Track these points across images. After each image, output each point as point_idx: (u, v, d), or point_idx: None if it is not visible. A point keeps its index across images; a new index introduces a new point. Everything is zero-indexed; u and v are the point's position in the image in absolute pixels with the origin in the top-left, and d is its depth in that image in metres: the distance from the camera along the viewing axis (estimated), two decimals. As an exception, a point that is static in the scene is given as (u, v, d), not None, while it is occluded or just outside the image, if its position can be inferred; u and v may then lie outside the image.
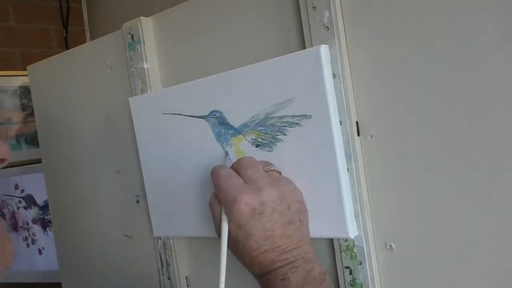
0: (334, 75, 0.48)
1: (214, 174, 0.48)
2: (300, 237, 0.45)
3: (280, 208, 0.45)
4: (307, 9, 0.49)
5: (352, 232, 0.48)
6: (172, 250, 0.65)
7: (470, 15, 0.42)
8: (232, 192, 0.45)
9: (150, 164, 0.63)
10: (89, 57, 0.74)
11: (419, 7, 0.44)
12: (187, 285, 0.66)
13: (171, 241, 0.65)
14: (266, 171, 0.48)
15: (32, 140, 1.46)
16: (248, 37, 0.56)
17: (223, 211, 0.46)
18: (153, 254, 0.68)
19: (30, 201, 1.31)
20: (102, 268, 0.78)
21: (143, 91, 0.64)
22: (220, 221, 0.47)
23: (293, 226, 0.45)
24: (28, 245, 1.32)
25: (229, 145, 0.54)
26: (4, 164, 0.38)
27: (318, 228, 0.48)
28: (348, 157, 0.48)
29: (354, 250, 0.49)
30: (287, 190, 0.46)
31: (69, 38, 1.69)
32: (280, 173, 0.49)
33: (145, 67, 0.64)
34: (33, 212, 1.30)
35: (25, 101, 1.46)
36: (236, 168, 0.48)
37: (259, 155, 0.51)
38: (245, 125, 0.53)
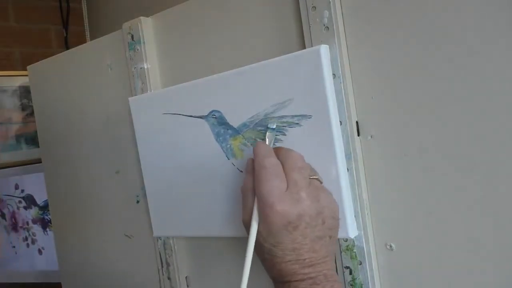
0: (334, 75, 0.48)
1: (259, 161, 0.44)
2: (325, 253, 0.44)
3: (314, 223, 0.43)
4: (307, 9, 0.49)
5: (352, 232, 0.48)
6: (172, 250, 0.65)
7: (470, 15, 0.42)
8: (272, 196, 0.42)
9: (150, 164, 0.63)
10: (89, 57, 0.74)
11: (419, 7, 0.44)
12: (187, 285, 0.66)
13: (171, 241, 0.65)
14: (309, 179, 0.45)
15: (32, 140, 1.46)
16: (248, 37, 0.56)
17: (255, 206, 0.44)
18: (153, 254, 0.68)
19: (30, 201, 1.31)
20: (102, 268, 0.78)
21: (143, 91, 0.64)
22: (250, 213, 0.44)
23: (322, 242, 0.43)
24: (28, 245, 1.32)
25: (228, 145, 0.54)
26: None
27: (318, 228, 0.48)
28: (348, 157, 0.48)
29: (354, 250, 0.49)
30: (326, 205, 0.44)
31: (69, 38, 1.69)
32: (322, 182, 0.46)
33: (145, 67, 0.64)
34: (33, 212, 1.30)
35: (25, 101, 1.46)
36: (283, 160, 0.44)
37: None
38: (244, 125, 0.53)
